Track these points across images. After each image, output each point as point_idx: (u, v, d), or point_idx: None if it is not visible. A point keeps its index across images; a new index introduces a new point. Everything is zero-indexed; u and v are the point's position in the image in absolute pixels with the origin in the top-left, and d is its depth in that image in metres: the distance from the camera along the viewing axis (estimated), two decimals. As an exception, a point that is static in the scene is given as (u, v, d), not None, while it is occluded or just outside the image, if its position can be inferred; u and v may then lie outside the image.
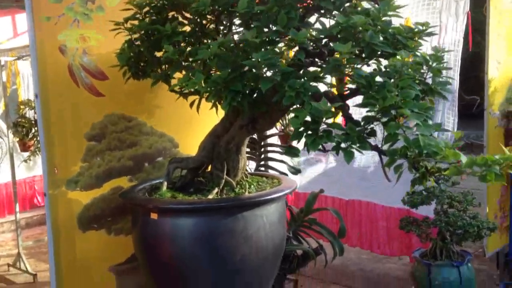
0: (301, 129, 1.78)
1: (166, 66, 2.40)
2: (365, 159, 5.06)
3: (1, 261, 6.54)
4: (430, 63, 1.95)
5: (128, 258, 2.87)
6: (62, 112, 2.63)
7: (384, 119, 1.80)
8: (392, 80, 1.79)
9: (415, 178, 1.81)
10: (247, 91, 1.89)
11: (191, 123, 3.23)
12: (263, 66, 1.81)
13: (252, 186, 2.66)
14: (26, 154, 6.87)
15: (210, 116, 3.26)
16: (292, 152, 3.66)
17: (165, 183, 2.60)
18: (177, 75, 2.59)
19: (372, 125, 1.88)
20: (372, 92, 1.75)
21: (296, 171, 3.79)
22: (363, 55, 1.86)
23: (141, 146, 2.97)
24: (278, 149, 3.75)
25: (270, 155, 3.67)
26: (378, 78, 1.84)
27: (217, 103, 2.08)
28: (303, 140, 1.78)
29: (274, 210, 2.52)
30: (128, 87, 2.86)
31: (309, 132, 1.73)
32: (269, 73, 1.92)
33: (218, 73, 1.91)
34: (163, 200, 2.45)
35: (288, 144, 5.33)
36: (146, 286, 2.85)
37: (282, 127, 5.61)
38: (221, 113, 2.47)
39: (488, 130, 4.18)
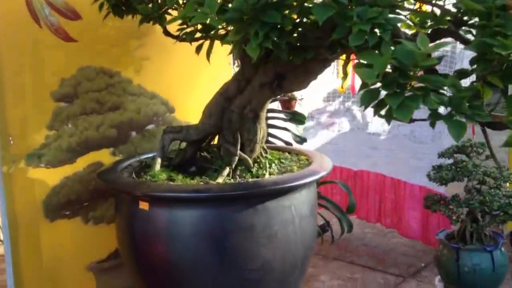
0: (377, 85, 1.11)
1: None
2: (374, 126, 4.60)
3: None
4: None
5: (112, 253, 2.24)
6: (19, 62, 1.94)
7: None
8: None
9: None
10: (289, 26, 1.20)
11: (192, 81, 2.55)
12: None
13: (274, 165, 2.01)
14: None
15: (217, 71, 2.61)
16: (297, 118, 3.09)
17: (159, 160, 1.94)
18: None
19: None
20: (494, 27, 1.08)
21: (301, 140, 3.27)
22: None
23: (126, 110, 2.29)
24: (281, 115, 3.15)
25: (270, 122, 3.04)
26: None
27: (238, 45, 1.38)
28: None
29: (305, 199, 1.89)
30: (109, 31, 2.18)
31: (396, 90, 1.06)
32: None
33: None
34: (157, 185, 1.79)
35: (292, 110, 4.77)
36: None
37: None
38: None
39: None
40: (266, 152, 2.07)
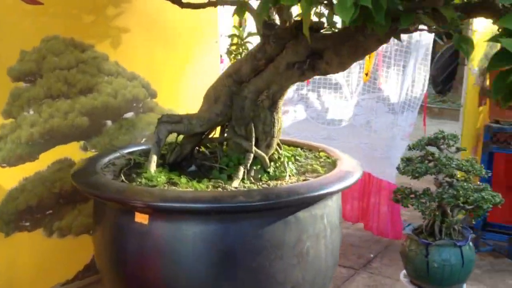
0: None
1: None
2: (331, 115, 4.42)
3: None
4: None
5: (80, 272, 1.80)
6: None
7: None
8: None
9: None
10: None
11: (178, 62, 2.14)
12: None
13: (291, 163, 1.65)
14: None
15: (204, 49, 2.22)
16: None
17: (154, 157, 1.53)
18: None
19: None
20: None
21: None
22: None
23: (100, 93, 1.85)
24: None
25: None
26: None
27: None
28: None
29: (336, 206, 1.57)
30: (81, -5, 1.72)
31: None
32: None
33: None
34: (160, 192, 1.38)
35: None
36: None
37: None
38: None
39: (468, 88, 3.75)
40: (280, 148, 1.71)
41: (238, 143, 1.60)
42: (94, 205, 1.56)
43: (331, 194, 1.46)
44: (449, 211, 2.84)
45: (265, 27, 1.49)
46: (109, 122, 1.89)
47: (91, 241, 1.72)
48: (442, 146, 3.13)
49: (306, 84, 4.53)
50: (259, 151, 1.58)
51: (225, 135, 1.67)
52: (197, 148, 1.71)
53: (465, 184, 2.89)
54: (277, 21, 1.54)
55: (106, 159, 1.66)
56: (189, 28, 2.15)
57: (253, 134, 1.58)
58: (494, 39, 0.82)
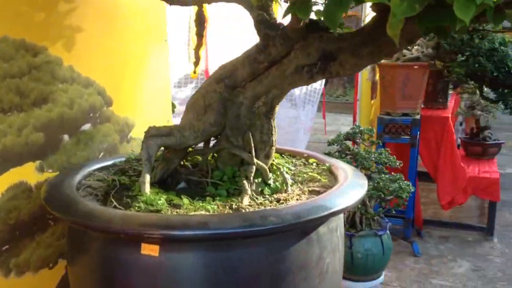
0: None
1: None
2: None
3: None
4: None
5: (47, 317, 1.52)
6: None
7: None
8: None
9: None
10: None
11: (130, 63, 1.91)
12: None
13: (288, 174, 1.53)
14: None
15: (156, 51, 2.01)
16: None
17: (147, 177, 1.32)
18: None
19: None
20: None
21: None
22: None
23: (55, 104, 1.57)
24: None
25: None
26: None
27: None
28: None
29: (342, 216, 1.47)
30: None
31: None
32: None
33: None
34: (174, 218, 1.18)
35: None
36: None
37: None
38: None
39: (362, 82, 4.04)
40: (274, 158, 1.57)
41: (235, 154, 1.44)
42: (71, 236, 1.31)
43: (343, 209, 1.36)
44: (367, 202, 2.93)
45: (268, 27, 1.35)
46: (65, 137, 1.61)
47: (50, 276, 1.48)
48: (358, 140, 3.22)
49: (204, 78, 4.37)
50: (260, 163, 1.43)
51: (212, 145, 1.50)
52: (183, 162, 1.52)
53: (383, 175, 2.99)
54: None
55: (76, 180, 1.42)
56: (140, 27, 1.93)
57: (252, 144, 1.43)
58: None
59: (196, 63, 1.97)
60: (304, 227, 1.22)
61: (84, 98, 1.67)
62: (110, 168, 1.57)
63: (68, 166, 1.60)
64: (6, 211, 1.43)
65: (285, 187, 1.44)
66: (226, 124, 1.44)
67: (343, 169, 1.56)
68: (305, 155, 1.75)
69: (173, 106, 2.69)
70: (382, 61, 3.38)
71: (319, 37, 1.30)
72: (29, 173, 1.49)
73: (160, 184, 1.42)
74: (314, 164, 1.67)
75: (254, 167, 1.40)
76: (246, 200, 1.31)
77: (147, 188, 1.29)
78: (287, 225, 1.16)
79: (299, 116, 4.39)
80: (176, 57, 3.64)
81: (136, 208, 1.22)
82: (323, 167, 1.62)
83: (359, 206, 2.84)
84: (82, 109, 1.67)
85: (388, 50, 1.25)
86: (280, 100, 1.47)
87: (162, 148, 1.43)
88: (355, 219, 2.85)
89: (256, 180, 1.42)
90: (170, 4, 1.43)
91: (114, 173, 1.48)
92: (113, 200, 1.27)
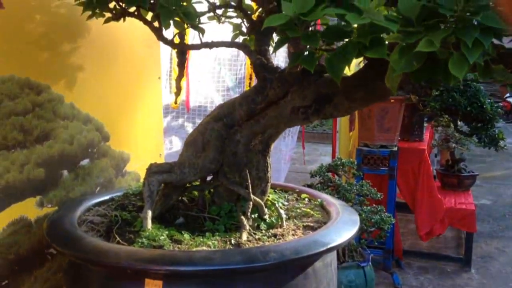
0: None
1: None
2: None
3: None
4: None
5: None
6: None
7: None
8: None
9: None
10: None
11: (126, 100, 1.97)
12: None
13: (282, 210, 1.59)
14: None
15: (150, 88, 2.08)
16: None
17: (149, 213, 1.36)
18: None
19: None
20: None
21: None
22: None
23: (56, 141, 1.62)
24: None
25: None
26: None
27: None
28: None
29: (335, 254, 1.53)
30: (37, 27, 1.51)
31: None
32: None
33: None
34: (179, 254, 1.23)
35: None
36: None
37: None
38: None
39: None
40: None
41: (232, 190, 1.50)
42: (74, 273, 1.34)
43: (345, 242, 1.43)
44: None
45: (267, 70, 1.43)
46: (65, 172, 1.65)
47: None
48: (340, 172, 3.29)
49: (187, 111, 4.41)
50: (257, 199, 1.50)
51: (209, 181, 1.56)
52: (181, 197, 1.57)
53: (365, 207, 3.07)
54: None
55: (76, 215, 1.46)
56: (136, 65, 2.00)
57: (249, 181, 1.49)
58: None
59: (177, 93, 2.00)
60: (302, 262, 1.28)
61: (83, 135, 1.72)
62: (109, 202, 1.61)
63: (67, 200, 1.63)
64: (7, 246, 1.45)
65: (280, 222, 1.50)
66: (224, 161, 1.51)
67: (335, 204, 1.64)
68: (297, 190, 1.82)
69: None
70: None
71: (315, 81, 1.38)
72: (29, 208, 1.52)
73: (158, 219, 1.46)
74: (307, 199, 1.74)
75: (251, 203, 1.46)
76: (245, 236, 1.36)
77: (149, 224, 1.34)
78: (287, 261, 1.21)
79: (280, 146, 4.42)
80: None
81: (140, 244, 1.27)
82: (315, 202, 1.69)
83: None
84: (81, 145, 1.71)
85: (380, 94, 1.34)
86: (276, 139, 1.54)
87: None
88: (339, 251, 2.91)
89: (252, 216, 1.48)
90: (180, 50, 1.51)
91: (114, 208, 1.52)
92: (116, 235, 1.31)
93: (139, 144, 2.01)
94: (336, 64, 0.99)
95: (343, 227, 1.41)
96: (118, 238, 1.30)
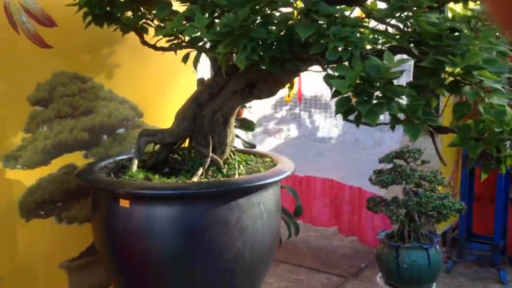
0: (349, 94, 1.30)
1: (142, 8, 1.83)
2: (322, 133, 4.80)
3: None
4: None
5: (83, 252, 2.32)
6: (-4, 66, 2.00)
7: (451, 84, 1.37)
8: (467, 31, 1.35)
9: (487, 163, 1.41)
10: (272, 41, 1.38)
11: (159, 88, 2.68)
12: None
13: (242, 166, 2.18)
14: None
15: (182, 80, 2.75)
16: (247, 125, 3.24)
17: (136, 161, 2.06)
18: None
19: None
20: (445, 46, 1.31)
21: (250, 146, 3.39)
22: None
23: (98, 114, 2.39)
24: None
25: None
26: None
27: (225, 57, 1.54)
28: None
29: (272, 197, 2.07)
30: (82, 39, 2.28)
31: (365, 98, 1.26)
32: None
33: (230, 14, 1.38)
34: (137, 183, 1.91)
35: (241, 117, 4.92)
36: (106, 284, 2.33)
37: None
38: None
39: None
40: (234, 154, 2.24)
41: (199, 150, 2.13)
42: (92, 197, 2.09)
43: (265, 185, 1.98)
44: (416, 217, 3.31)
45: (217, 68, 2.04)
46: (105, 137, 2.42)
47: (91, 228, 2.25)
48: (408, 159, 3.60)
49: (298, 104, 4.98)
50: (215, 156, 2.10)
51: (189, 144, 2.21)
52: (170, 155, 2.24)
53: (428, 192, 3.36)
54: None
55: (102, 164, 2.20)
56: (171, 62, 2.69)
57: (211, 144, 2.11)
58: (328, 79, 1.35)
59: (291, 88, 2.35)
60: (224, 196, 1.87)
61: (120, 111, 2.48)
62: (129, 158, 2.34)
63: (105, 156, 2.40)
64: (61, 181, 2.25)
65: (234, 174, 2.09)
66: (195, 129, 2.14)
67: (282, 162, 2.18)
68: (269, 155, 2.38)
69: (253, 125, 3.27)
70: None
71: (245, 72, 1.94)
72: (77, 158, 2.31)
73: (152, 168, 2.15)
74: (269, 161, 2.29)
75: (209, 159, 2.08)
76: (194, 178, 1.99)
77: (135, 168, 2.03)
78: (202, 192, 1.83)
79: (384, 138, 4.72)
80: None
81: (123, 178, 1.97)
82: (272, 163, 2.24)
83: (404, 219, 3.26)
84: (118, 118, 2.47)
85: (282, 80, 1.86)
86: (231, 114, 2.13)
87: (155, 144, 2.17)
88: (404, 233, 3.25)
89: (212, 168, 2.09)
90: (155, 50, 2.17)
91: (126, 160, 2.25)
92: (112, 174, 2.03)
93: (169, 121, 2.72)
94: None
95: (265, 176, 1.97)
96: (112, 175, 2.02)
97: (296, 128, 5.05)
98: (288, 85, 3.80)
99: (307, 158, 4.79)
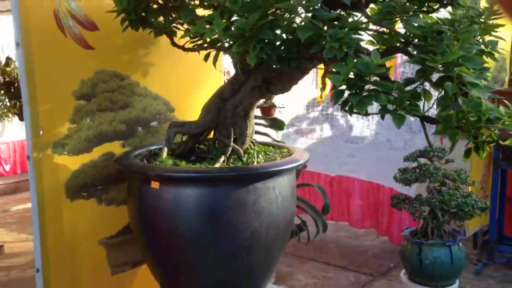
0: (343, 87, 1.52)
1: (173, 13, 2.09)
2: (355, 133, 4.90)
3: (-36, 230, 6.13)
4: (483, 18, 1.71)
5: (120, 231, 2.60)
6: (47, 65, 2.30)
7: (436, 79, 1.56)
8: (449, 33, 1.54)
9: (468, 148, 1.59)
10: (279, 42, 1.61)
11: (189, 86, 2.95)
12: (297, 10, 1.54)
13: (260, 155, 2.41)
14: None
15: (210, 78, 3.00)
16: (277, 125, 3.43)
17: (165, 149, 2.32)
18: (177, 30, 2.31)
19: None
20: (428, 46, 1.50)
21: None
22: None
23: (134, 108, 2.67)
24: (261, 121, 3.43)
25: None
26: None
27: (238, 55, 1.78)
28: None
29: (287, 183, 2.28)
30: (121, 41, 2.56)
31: (356, 90, 1.47)
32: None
33: (242, 19, 1.62)
34: (166, 167, 2.17)
35: (272, 116, 5.11)
36: (141, 260, 2.60)
37: (266, 99, 5.35)
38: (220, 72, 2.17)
39: None
40: (254, 145, 2.47)
41: (222, 140, 2.37)
42: (127, 180, 2.37)
43: (280, 172, 2.20)
44: (439, 215, 3.44)
45: (236, 64, 2.27)
46: (140, 128, 2.70)
47: (127, 210, 2.52)
48: (433, 158, 3.72)
49: (331, 105, 5.11)
50: (236, 146, 2.34)
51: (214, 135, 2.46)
52: (197, 145, 2.50)
53: (451, 191, 3.48)
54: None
55: (136, 152, 2.47)
56: (199, 62, 2.96)
57: (232, 135, 2.34)
58: (328, 75, 1.57)
59: (323, 89, 2.56)
60: (243, 180, 2.10)
61: (153, 106, 2.75)
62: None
63: (140, 146, 2.67)
64: (101, 167, 2.54)
65: (252, 162, 2.32)
66: (219, 122, 2.38)
67: (297, 152, 2.40)
68: (286, 147, 2.60)
69: (283, 124, 3.46)
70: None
71: (262, 70, 2.17)
72: (116, 147, 2.60)
73: (180, 156, 2.40)
74: (286, 151, 2.51)
75: (230, 148, 2.32)
76: (217, 165, 2.23)
77: (164, 155, 2.29)
78: (223, 175, 2.07)
79: (415, 139, 4.85)
80: (306, 84, 4.47)
81: (154, 163, 2.23)
82: (288, 154, 2.46)
83: (427, 217, 3.40)
84: (151, 113, 2.75)
85: (293, 77, 2.08)
86: (251, 108, 2.36)
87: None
88: (427, 230, 3.34)
89: (233, 157, 2.33)
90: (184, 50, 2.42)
91: (157, 149, 2.51)
92: (145, 160, 2.30)
93: (197, 115, 2.97)
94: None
95: (279, 164, 2.20)
96: (145, 161, 2.29)
97: (330, 129, 5.18)
98: (320, 86, 3.98)
99: (339, 158, 4.89)
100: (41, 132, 2.28)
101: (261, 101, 5.44)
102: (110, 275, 2.57)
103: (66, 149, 2.38)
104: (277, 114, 6.25)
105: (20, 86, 2.24)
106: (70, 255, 2.42)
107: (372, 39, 1.85)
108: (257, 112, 4.89)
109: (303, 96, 5.07)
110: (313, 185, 3.85)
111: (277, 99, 5.22)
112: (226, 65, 4.94)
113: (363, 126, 4.90)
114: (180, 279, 2.25)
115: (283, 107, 5.44)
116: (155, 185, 2.14)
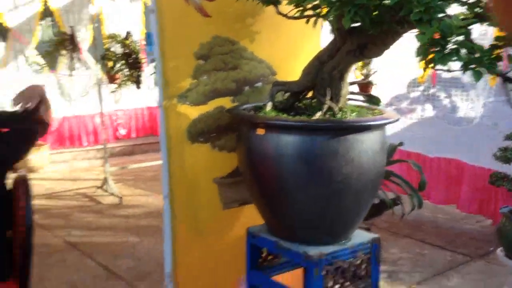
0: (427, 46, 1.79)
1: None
2: (459, 114, 4.82)
3: (90, 184, 7.02)
4: None
5: (229, 173, 3.04)
6: (174, 29, 2.76)
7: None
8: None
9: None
10: (371, 6, 1.91)
11: (290, 52, 3.30)
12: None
13: (354, 114, 2.71)
14: (113, 86, 7.04)
15: (308, 46, 3.34)
16: (373, 101, 3.63)
17: (269, 104, 2.70)
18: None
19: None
20: None
21: None
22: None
23: (242, 70, 3.07)
24: (358, 97, 3.64)
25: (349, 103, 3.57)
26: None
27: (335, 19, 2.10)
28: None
29: (376, 138, 2.55)
30: (233, 10, 2.96)
31: (439, 48, 1.74)
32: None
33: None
34: (271, 117, 2.56)
35: (369, 93, 5.24)
36: (247, 200, 3.02)
37: (364, 76, 5.52)
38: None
39: None
40: (346, 104, 2.78)
41: (319, 99, 2.71)
42: (238, 130, 2.79)
43: (369, 127, 2.51)
44: None
45: (334, 29, 2.59)
46: (247, 88, 3.11)
47: (236, 156, 2.93)
48: None
49: (432, 85, 5.12)
50: (332, 103, 2.67)
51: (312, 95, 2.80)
52: (296, 103, 2.86)
53: None
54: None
55: (244, 107, 2.89)
56: (300, 30, 3.29)
57: (328, 94, 2.67)
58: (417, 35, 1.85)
59: (425, 69, 2.77)
60: (331, 130, 2.43)
61: (258, 69, 3.14)
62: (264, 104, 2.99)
63: (246, 102, 3.08)
64: (214, 118, 2.98)
65: (346, 118, 2.64)
66: (317, 82, 2.71)
67: (388, 113, 2.68)
68: (378, 109, 2.88)
69: (378, 100, 3.64)
70: None
71: (356, 35, 2.46)
72: (226, 102, 3.03)
73: (282, 110, 2.77)
74: (377, 112, 2.80)
75: (326, 105, 2.65)
76: (316, 116, 2.57)
77: (268, 108, 2.68)
78: (318, 125, 2.42)
79: None
80: (407, 62, 4.44)
81: (259, 114, 2.63)
82: (380, 114, 2.75)
83: None
84: (256, 75, 3.14)
85: (387, 41, 2.36)
86: (346, 71, 2.66)
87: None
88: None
89: (329, 113, 2.66)
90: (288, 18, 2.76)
91: (263, 104, 2.90)
92: (253, 111, 2.70)
93: (297, 78, 3.33)
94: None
95: (369, 120, 2.50)
96: (253, 112, 2.69)
97: (432, 109, 5.15)
98: (422, 66, 4.16)
99: (440, 139, 4.90)
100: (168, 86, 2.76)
101: (360, 78, 5.63)
102: (221, 209, 3.03)
103: (188, 100, 2.85)
104: (378, 94, 6.36)
105: (154, 47, 2.72)
106: (191, 187, 2.90)
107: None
108: (354, 88, 5.03)
109: (403, 76, 5.11)
110: (408, 162, 3.94)
111: (376, 78, 5.34)
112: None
113: (467, 108, 4.87)
114: (282, 215, 2.64)
115: (376, 84, 5.41)
116: (260, 131, 2.53)
